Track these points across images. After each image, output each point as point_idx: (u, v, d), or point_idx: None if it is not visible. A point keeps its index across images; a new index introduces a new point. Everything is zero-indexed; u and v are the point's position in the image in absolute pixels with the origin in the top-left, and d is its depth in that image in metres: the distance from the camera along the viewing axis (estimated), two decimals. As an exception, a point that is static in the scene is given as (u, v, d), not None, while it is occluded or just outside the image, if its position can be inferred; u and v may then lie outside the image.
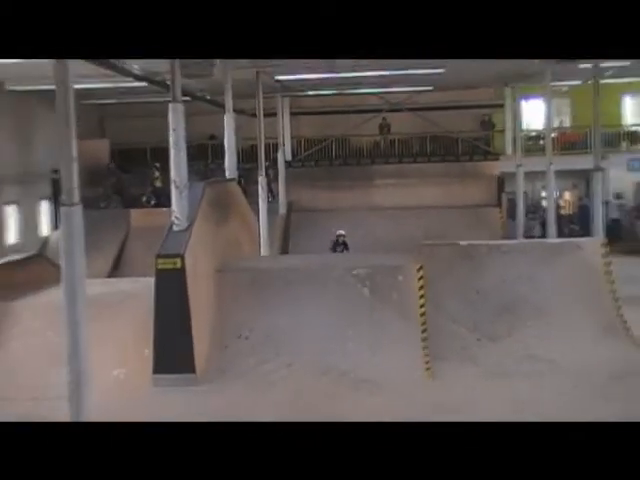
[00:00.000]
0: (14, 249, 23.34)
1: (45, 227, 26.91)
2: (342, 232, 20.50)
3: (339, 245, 20.05)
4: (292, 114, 30.51)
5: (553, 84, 22.70)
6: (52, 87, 8.90)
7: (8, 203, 24.79)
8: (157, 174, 27.36)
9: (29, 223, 25.94)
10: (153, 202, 26.63)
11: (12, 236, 25.00)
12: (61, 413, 9.29)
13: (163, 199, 24.75)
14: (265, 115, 23.07)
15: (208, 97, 24.70)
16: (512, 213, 27.97)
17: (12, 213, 25.15)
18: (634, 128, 31.86)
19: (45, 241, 25.08)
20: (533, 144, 30.40)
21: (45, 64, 10.37)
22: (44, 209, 27.11)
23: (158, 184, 27.14)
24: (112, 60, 17.03)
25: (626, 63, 21.10)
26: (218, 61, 17.96)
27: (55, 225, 24.43)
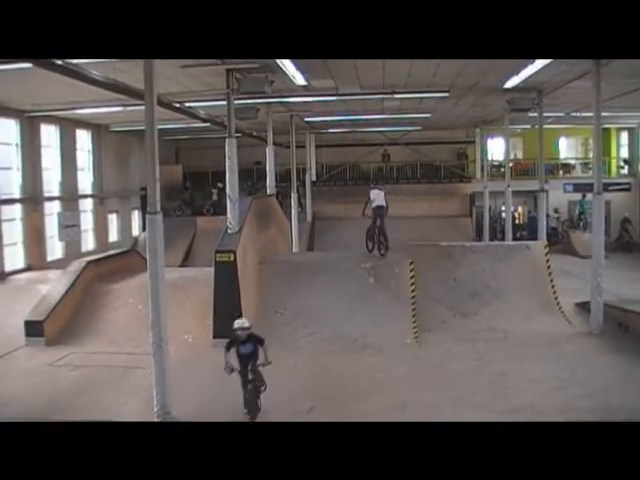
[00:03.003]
0: (114, 245, 23.63)
1: (136, 229, 27.12)
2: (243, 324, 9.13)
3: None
4: (317, 146, 30.41)
5: (510, 127, 22.64)
6: (142, 128, 9.05)
7: (111, 212, 25.10)
8: (214, 191, 27.69)
9: (125, 226, 26.18)
10: (211, 211, 26.87)
11: (113, 235, 25.29)
12: (147, 365, 9.47)
13: (218, 209, 25.22)
14: (296, 147, 23.15)
15: (254, 133, 24.76)
16: (479, 222, 27.85)
17: (113, 219, 25.44)
18: (567, 161, 31.88)
19: (136, 240, 25.36)
20: (496, 171, 30.15)
21: (139, 111, 10.50)
22: (135, 216, 27.31)
23: (215, 198, 27.44)
24: (185, 106, 17.18)
25: (561, 114, 21.05)
26: (262, 107, 18.08)
27: (143, 228, 24.60)
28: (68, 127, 21.49)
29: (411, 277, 13.90)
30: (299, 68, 13.03)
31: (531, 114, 18.53)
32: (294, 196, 22.59)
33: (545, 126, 19.02)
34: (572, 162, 31.82)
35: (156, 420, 8.73)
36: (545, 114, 18.38)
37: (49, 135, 20.63)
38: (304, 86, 15.01)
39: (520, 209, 30.06)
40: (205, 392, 10.00)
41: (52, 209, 20.65)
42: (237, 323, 9.04)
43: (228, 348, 8.83)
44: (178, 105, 16.59)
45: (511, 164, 25.78)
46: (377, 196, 15.36)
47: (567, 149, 32.39)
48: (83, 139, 22.95)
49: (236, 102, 14.22)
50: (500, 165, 29.96)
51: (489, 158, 30.08)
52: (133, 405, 9.46)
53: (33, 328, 12.99)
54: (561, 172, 31.16)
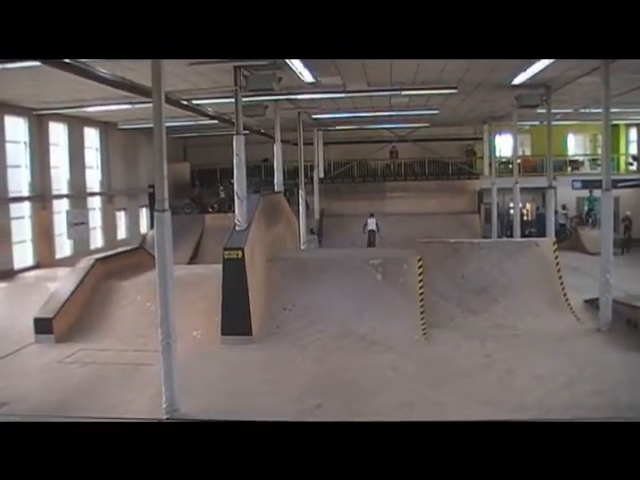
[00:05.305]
0: (123, 243, 23.68)
1: (144, 227, 27.20)
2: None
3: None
4: (325, 143, 30.41)
5: (518, 123, 22.59)
6: (150, 125, 9.06)
7: (119, 209, 25.20)
8: (221, 188, 27.80)
9: (133, 224, 26.27)
10: (216, 208, 27.01)
11: (122, 233, 25.41)
12: (156, 361, 9.50)
13: (223, 207, 25.45)
14: (304, 144, 23.09)
15: (262, 131, 24.77)
16: (488, 219, 27.77)
17: (122, 216, 25.57)
18: (575, 157, 31.80)
19: (144, 237, 25.38)
20: (504, 167, 30.08)
21: (147, 109, 10.50)
22: (143, 214, 27.41)
23: (222, 196, 27.56)
24: (192, 104, 17.21)
25: (569, 110, 20.95)
26: (269, 104, 18.07)
27: (151, 225, 24.67)
28: (76, 125, 21.57)
29: (419, 274, 13.87)
30: (307, 65, 13.02)
31: (539, 110, 18.46)
32: (302, 193, 22.59)
33: (553, 122, 18.93)
34: (580, 159, 31.73)
35: (164, 417, 8.77)
36: (553, 110, 18.31)
37: (57, 133, 20.72)
38: (312, 83, 15.00)
39: (528, 206, 29.97)
40: (213, 389, 10.03)
41: (61, 207, 20.75)
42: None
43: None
44: (186, 102, 16.63)
45: (519, 161, 25.73)
46: (370, 223, 23.99)
47: (575, 145, 32.34)
48: (91, 137, 23.04)
49: (244, 99, 14.22)
50: (508, 162, 29.90)
51: (497, 155, 30.00)
52: (142, 402, 9.50)
53: (42, 325, 13.06)
54: (569, 169, 31.09)
